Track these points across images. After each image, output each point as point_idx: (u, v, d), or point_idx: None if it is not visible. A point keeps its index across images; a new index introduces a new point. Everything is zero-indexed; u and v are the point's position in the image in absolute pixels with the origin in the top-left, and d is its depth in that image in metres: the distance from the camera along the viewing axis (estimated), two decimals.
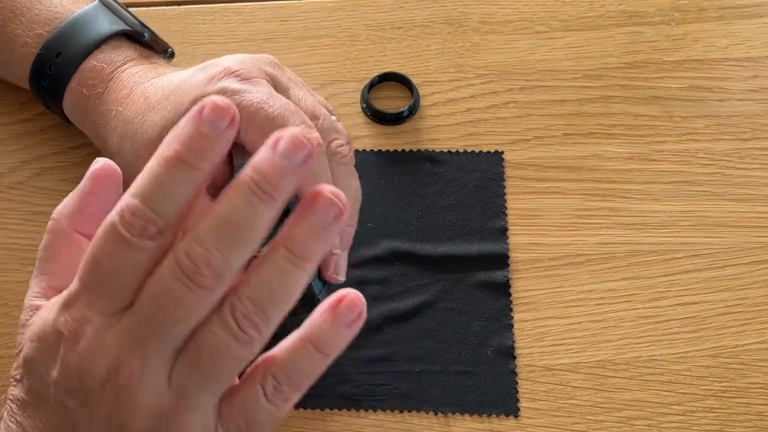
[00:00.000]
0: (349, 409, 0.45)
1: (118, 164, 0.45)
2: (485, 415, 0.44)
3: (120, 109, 0.44)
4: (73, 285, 0.30)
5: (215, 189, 0.43)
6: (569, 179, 0.51)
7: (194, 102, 0.40)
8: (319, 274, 0.42)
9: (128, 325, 0.29)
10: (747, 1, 0.58)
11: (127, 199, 0.28)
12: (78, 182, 0.50)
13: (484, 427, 0.44)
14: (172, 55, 0.50)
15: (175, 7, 0.58)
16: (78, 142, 0.51)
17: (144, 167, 0.29)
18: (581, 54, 0.56)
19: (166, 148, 0.28)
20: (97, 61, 0.46)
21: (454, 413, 0.44)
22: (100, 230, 0.29)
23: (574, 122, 0.53)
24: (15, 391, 0.32)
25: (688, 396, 0.45)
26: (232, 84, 0.40)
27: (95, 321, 0.29)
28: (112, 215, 0.28)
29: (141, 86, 0.45)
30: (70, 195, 0.34)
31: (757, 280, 0.48)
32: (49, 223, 0.34)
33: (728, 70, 0.55)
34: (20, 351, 0.32)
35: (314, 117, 0.42)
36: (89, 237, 0.31)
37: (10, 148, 0.52)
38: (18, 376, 0.32)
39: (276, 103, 0.40)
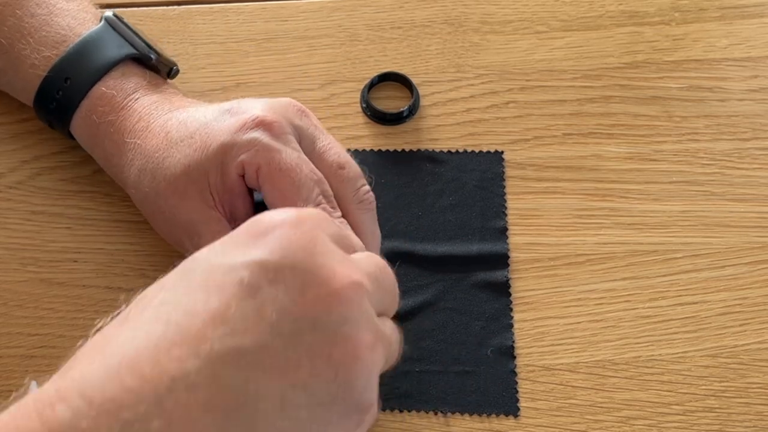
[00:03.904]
0: None
1: (134, 197, 0.45)
2: (485, 414, 0.44)
3: (138, 141, 0.44)
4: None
5: (235, 222, 0.43)
6: (569, 179, 0.51)
7: (224, 146, 0.41)
8: None
9: None
10: (747, 1, 0.58)
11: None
12: (78, 182, 0.50)
13: (484, 427, 0.44)
14: (176, 73, 0.50)
15: (175, 7, 0.58)
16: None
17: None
18: (581, 54, 0.56)
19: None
20: (107, 87, 0.46)
21: (454, 413, 0.44)
22: None
23: (574, 122, 0.53)
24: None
25: (688, 396, 0.45)
26: (264, 138, 0.41)
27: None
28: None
29: (160, 119, 0.44)
30: None
31: (757, 280, 0.48)
32: None
33: (728, 70, 0.55)
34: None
35: (341, 167, 0.43)
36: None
37: (10, 148, 0.52)
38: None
39: (303, 170, 0.41)
